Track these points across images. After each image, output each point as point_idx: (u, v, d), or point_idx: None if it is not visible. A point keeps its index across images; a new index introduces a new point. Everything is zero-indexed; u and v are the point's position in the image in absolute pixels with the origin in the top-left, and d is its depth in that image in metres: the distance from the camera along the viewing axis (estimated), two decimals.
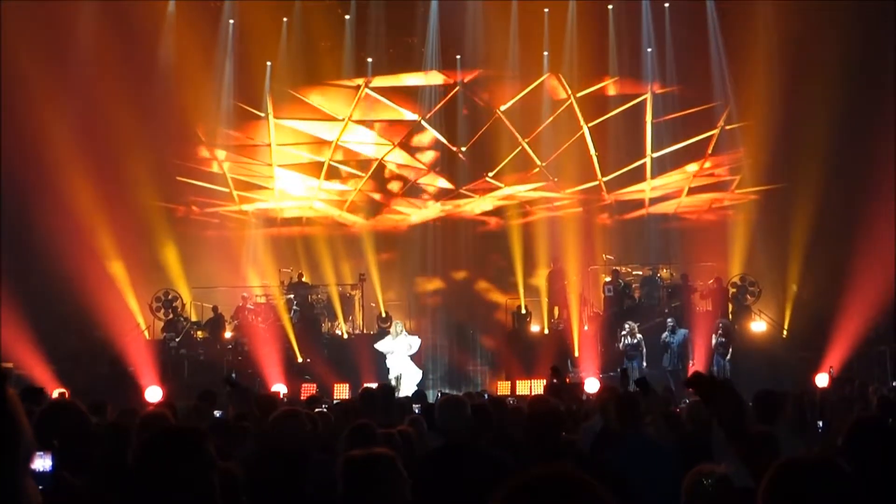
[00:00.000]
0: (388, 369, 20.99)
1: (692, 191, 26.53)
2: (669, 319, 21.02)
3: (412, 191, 27.22)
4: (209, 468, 3.49)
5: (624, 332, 20.79)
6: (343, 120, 26.25)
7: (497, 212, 26.94)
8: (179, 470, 3.42)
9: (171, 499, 3.42)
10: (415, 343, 21.51)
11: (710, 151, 25.97)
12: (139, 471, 3.49)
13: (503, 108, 26.17)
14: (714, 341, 20.55)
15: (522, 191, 26.79)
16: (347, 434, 6.08)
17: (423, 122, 26.47)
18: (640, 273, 24.52)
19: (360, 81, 26.01)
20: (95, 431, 4.96)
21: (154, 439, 3.59)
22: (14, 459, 1.77)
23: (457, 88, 26.32)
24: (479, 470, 5.21)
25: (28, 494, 1.76)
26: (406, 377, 20.79)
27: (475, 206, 27.06)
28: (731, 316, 22.39)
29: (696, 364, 20.44)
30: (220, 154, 26.52)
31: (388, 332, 23.09)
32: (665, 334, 20.75)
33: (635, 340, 20.64)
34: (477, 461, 5.54)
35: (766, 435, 6.52)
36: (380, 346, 21.42)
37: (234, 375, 10.29)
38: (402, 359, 21.06)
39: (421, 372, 21.47)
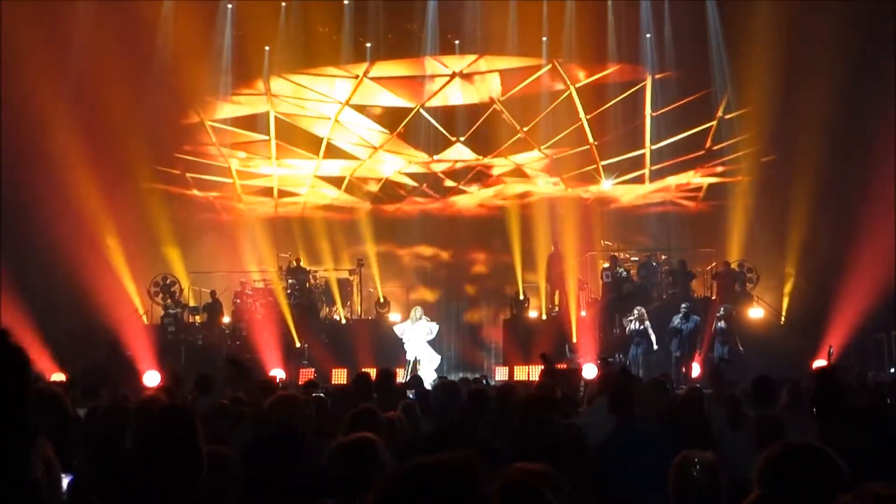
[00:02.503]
0: (406, 352, 20.94)
1: (690, 177, 26.52)
2: (684, 305, 20.87)
3: (410, 175, 27.20)
4: (196, 445, 3.54)
5: (631, 318, 20.70)
6: (341, 103, 26.26)
7: (496, 198, 26.94)
8: (168, 447, 3.47)
9: (161, 475, 3.46)
10: (434, 328, 21.30)
11: (708, 143, 25.94)
12: (132, 452, 3.56)
13: (502, 98, 26.18)
14: (715, 327, 20.48)
15: (520, 160, 26.77)
16: (349, 419, 6.09)
17: (421, 111, 26.43)
18: (638, 259, 24.49)
19: (359, 70, 25.94)
20: (77, 420, 4.99)
21: (145, 420, 3.66)
22: (27, 450, 1.83)
23: (454, 78, 26.27)
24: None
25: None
26: (424, 362, 20.72)
27: (474, 193, 27.05)
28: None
29: (702, 351, 20.39)
30: (218, 133, 26.52)
31: (385, 317, 23.14)
32: (678, 319, 20.64)
33: (642, 326, 20.52)
34: (468, 445, 5.54)
35: (773, 419, 6.57)
36: (398, 329, 21.33)
37: (237, 358, 10.29)
38: (420, 344, 20.97)
39: (439, 357, 21.26)
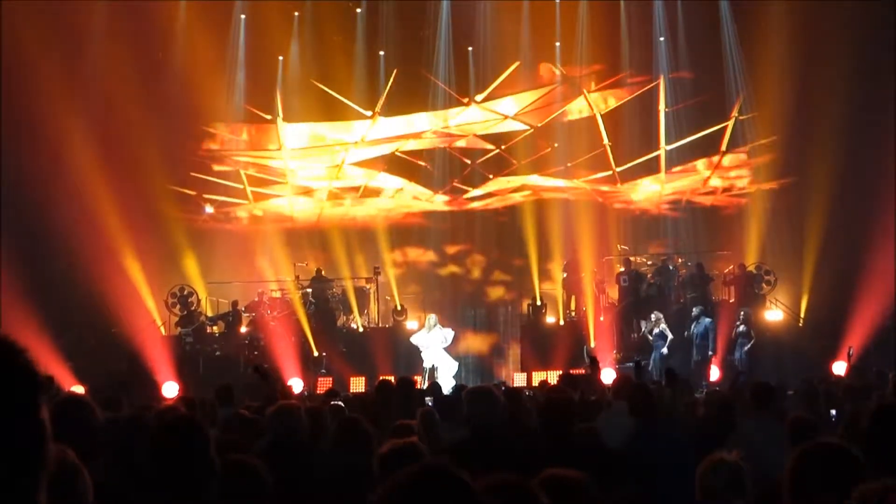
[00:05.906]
0: (423, 361, 20.95)
1: (706, 180, 26.41)
2: (696, 309, 20.83)
3: (426, 182, 27.18)
4: (207, 453, 3.58)
5: (650, 322, 20.67)
6: (356, 143, 26.47)
7: (511, 202, 26.92)
8: (179, 456, 3.51)
9: (175, 483, 3.49)
10: (449, 335, 21.31)
11: (723, 147, 25.82)
12: (150, 459, 3.60)
13: (517, 112, 26.32)
14: (735, 331, 20.39)
15: (533, 181, 26.79)
16: (335, 429, 6.08)
17: (433, 134, 26.61)
18: (654, 263, 24.42)
19: (373, 107, 26.13)
20: (102, 426, 5.00)
21: (156, 430, 3.71)
22: (39, 479, 1.75)
23: (470, 105, 26.42)
24: (509, 460, 5.19)
25: None
26: (442, 369, 20.71)
27: (489, 196, 27.02)
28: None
29: (718, 354, 20.33)
30: (233, 152, 26.63)
31: (402, 325, 23.12)
32: (692, 324, 20.60)
33: (659, 330, 20.48)
34: (507, 451, 5.54)
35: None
36: (414, 339, 21.33)
37: (263, 366, 10.35)
38: (436, 351, 20.96)
39: (457, 364, 21.30)
